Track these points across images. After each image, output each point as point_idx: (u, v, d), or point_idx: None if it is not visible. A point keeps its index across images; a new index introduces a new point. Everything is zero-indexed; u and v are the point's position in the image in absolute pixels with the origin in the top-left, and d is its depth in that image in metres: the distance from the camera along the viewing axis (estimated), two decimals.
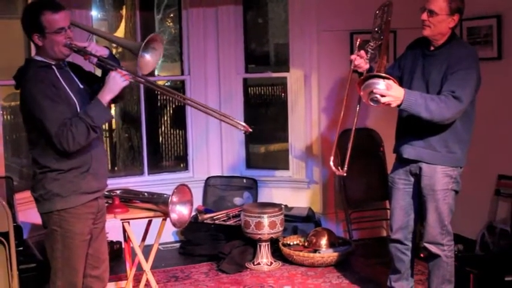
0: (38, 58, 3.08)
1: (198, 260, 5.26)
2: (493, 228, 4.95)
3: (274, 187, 5.91)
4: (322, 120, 5.63)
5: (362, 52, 3.75)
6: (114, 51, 7.67)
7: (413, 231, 3.92)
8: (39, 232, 4.50)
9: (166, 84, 6.87)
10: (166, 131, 8.02)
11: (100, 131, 3.17)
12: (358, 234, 5.65)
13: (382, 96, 3.41)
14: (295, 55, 5.74)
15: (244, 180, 5.94)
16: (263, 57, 6.78)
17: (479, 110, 3.77)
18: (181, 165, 6.48)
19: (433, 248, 3.75)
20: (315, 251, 5.07)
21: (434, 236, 3.72)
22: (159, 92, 7.83)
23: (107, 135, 7.96)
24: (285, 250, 5.11)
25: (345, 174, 3.79)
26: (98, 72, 3.31)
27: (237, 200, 5.89)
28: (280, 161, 6.16)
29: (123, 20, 8.18)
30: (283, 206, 5.32)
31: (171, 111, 8.06)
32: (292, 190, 5.84)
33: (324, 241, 5.11)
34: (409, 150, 3.74)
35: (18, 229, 4.22)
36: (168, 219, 3.85)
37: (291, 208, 5.66)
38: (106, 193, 3.60)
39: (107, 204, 3.50)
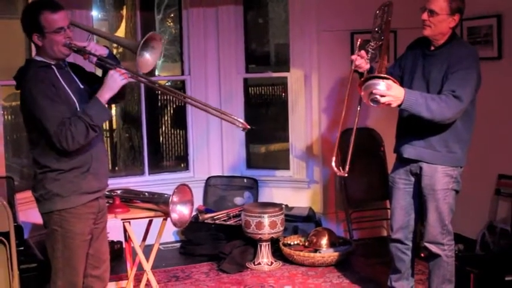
0: (38, 58, 3.09)
1: (199, 260, 5.26)
2: (493, 228, 4.95)
3: (274, 187, 5.91)
4: (323, 120, 5.63)
5: (362, 52, 3.75)
6: (114, 51, 7.69)
7: (413, 230, 3.92)
8: (40, 232, 4.50)
9: (166, 84, 6.87)
10: (166, 131, 8.02)
11: (100, 131, 3.18)
12: (358, 234, 5.65)
13: (382, 96, 3.42)
14: (295, 55, 5.74)
15: (245, 180, 5.94)
16: (263, 57, 6.79)
17: (480, 109, 3.77)
18: (182, 165, 6.48)
19: (433, 248, 3.75)
20: (315, 251, 5.08)
21: (434, 235, 3.73)
22: (159, 92, 7.85)
23: (108, 135, 7.96)
24: (286, 250, 5.12)
25: (346, 175, 3.80)
26: (99, 73, 3.31)
27: (238, 200, 5.89)
28: (280, 161, 6.16)
29: (124, 20, 8.18)
30: (283, 205, 5.32)
31: (172, 111, 8.06)
32: (293, 190, 5.84)
33: (324, 241, 5.12)
34: (410, 150, 3.74)
35: (19, 229, 4.23)
36: (168, 219, 3.85)
37: (292, 208, 5.66)
38: (107, 193, 3.60)
39: (107, 204, 3.50)
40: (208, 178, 5.97)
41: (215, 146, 6.01)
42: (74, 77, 3.18)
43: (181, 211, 3.88)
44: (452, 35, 3.66)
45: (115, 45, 6.77)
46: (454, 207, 3.74)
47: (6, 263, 3.53)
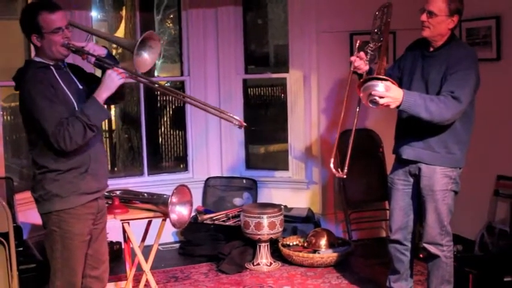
0: (37, 59, 3.10)
1: (198, 261, 5.26)
2: (492, 229, 4.96)
3: (273, 188, 5.91)
4: (322, 121, 5.64)
5: (362, 53, 3.76)
6: (114, 52, 7.70)
7: (412, 231, 3.92)
8: (39, 232, 4.50)
9: (166, 85, 6.88)
10: (166, 132, 8.03)
11: (98, 131, 3.18)
12: (357, 235, 5.66)
13: (381, 97, 3.42)
14: (294, 56, 5.74)
15: (244, 181, 5.94)
16: (263, 58, 6.80)
17: (479, 110, 3.78)
18: (181, 165, 6.49)
19: (432, 249, 3.75)
20: (314, 252, 5.08)
21: (433, 236, 3.73)
22: (159, 93, 7.86)
23: (107, 135, 7.97)
24: (285, 251, 5.12)
25: (344, 176, 3.80)
26: (99, 74, 3.32)
27: (237, 201, 5.89)
28: (279, 162, 6.17)
29: (123, 21, 8.20)
30: (282, 206, 5.33)
31: (171, 112, 8.07)
32: (292, 191, 5.84)
33: (323, 241, 5.12)
34: (409, 151, 3.75)
35: (18, 229, 4.23)
36: (167, 219, 3.85)
37: (291, 209, 5.66)
38: (106, 194, 3.60)
39: (106, 205, 3.50)
40: (208, 179, 5.98)
41: (214, 147, 6.01)
42: (73, 77, 3.19)
43: (181, 212, 3.89)
44: (451, 36, 3.66)
45: (114, 45, 6.78)
46: (452, 208, 3.74)
47: (5, 263, 3.54)
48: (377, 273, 4.80)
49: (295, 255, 5.03)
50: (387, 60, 3.76)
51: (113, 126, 8.14)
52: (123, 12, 8.21)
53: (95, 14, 8.32)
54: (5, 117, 5.62)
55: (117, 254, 5.17)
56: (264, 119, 6.96)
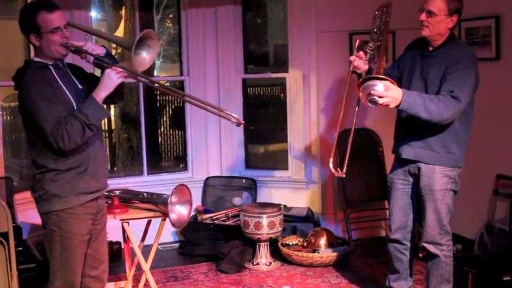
0: (36, 59, 3.11)
1: (198, 260, 5.26)
2: (491, 228, 4.96)
3: (273, 187, 5.91)
4: (321, 120, 5.64)
5: (361, 53, 3.76)
6: (113, 51, 7.70)
7: (412, 231, 3.92)
8: (39, 232, 4.50)
9: (165, 84, 6.89)
10: (165, 132, 8.04)
11: (98, 130, 3.18)
12: (357, 234, 5.66)
13: (380, 97, 3.42)
14: (294, 56, 5.74)
15: (244, 181, 5.95)
16: (262, 57, 6.80)
17: (478, 110, 3.78)
18: (181, 165, 6.49)
19: (431, 248, 3.75)
20: (314, 251, 5.08)
21: (433, 236, 3.73)
22: (158, 93, 7.86)
23: (107, 135, 7.97)
24: (284, 250, 5.12)
25: (344, 176, 3.80)
26: (99, 74, 3.32)
27: (236, 200, 5.90)
28: (279, 161, 6.17)
29: (123, 21, 8.20)
30: (282, 206, 5.33)
31: (171, 112, 8.08)
32: (291, 190, 5.85)
33: (322, 241, 5.12)
34: (408, 151, 3.75)
35: (17, 229, 4.23)
36: (167, 219, 3.85)
37: (290, 208, 5.66)
38: (105, 193, 3.61)
39: (106, 205, 3.50)
40: (207, 178, 5.98)
41: (214, 147, 6.01)
42: (72, 77, 3.19)
43: (180, 211, 3.89)
44: (450, 35, 3.66)
45: (114, 45, 6.78)
46: (452, 208, 3.75)
47: (5, 263, 3.53)
48: (376, 272, 4.80)
49: (294, 255, 5.03)
50: (386, 60, 3.76)
51: (113, 126, 8.14)
52: (123, 12, 8.21)
53: (94, 13, 8.32)
54: (4, 117, 5.62)
55: (116, 253, 5.18)
56: (264, 119, 6.96)
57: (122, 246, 4.68)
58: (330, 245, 5.13)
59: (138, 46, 3.08)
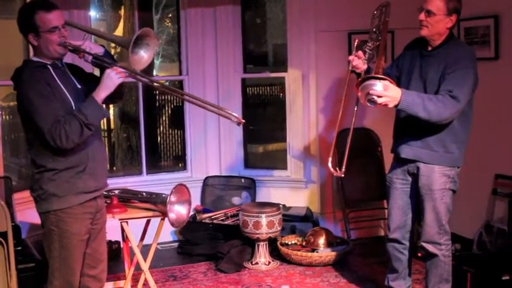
0: (35, 59, 3.11)
1: (197, 260, 5.26)
2: (490, 228, 4.97)
3: (272, 187, 5.91)
4: (320, 120, 5.64)
5: (360, 53, 3.76)
6: (112, 51, 7.70)
7: (410, 230, 3.93)
8: (38, 232, 4.50)
9: (165, 84, 6.89)
10: (164, 131, 8.04)
11: (97, 130, 3.18)
12: (355, 234, 5.66)
13: (379, 97, 3.43)
14: (293, 55, 5.75)
15: (243, 180, 5.95)
16: (261, 57, 6.79)
17: (477, 110, 3.78)
18: (180, 165, 6.49)
19: (430, 248, 3.76)
20: (312, 251, 5.09)
21: (431, 235, 3.74)
22: (157, 92, 7.86)
23: (106, 135, 7.98)
24: (283, 249, 5.12)
25: (343, 176, 3.80)
26: (98, 73, 3.32)
27: (235, 200, 5.90)
28: (278, 161, 6.17)
29: (122, 20, 8.20)
30: (281, 205, 5.34)
31: (170, 111, 8.08)
32: (290, 190, 5.85)
33: (321, 240, 5.13)
34: (407, 150, 3.75)
35: (16, 229, 4.22)
36: (166, 219, 3.85)
37: (289, 208, 5.67)
38: (104, 193, 3.61)
39: (105, 204, 3.50)
40: (206, 178, 5.98)
41: (213, 146, 6.01)
42: (71, 76, 3.19)
43: (179, 211, 3.89)
44: (449, 35, 3.67)
45: (113, 44, 6.78)
46: (451, 207, 3.75)
47: (4, 262, 3.54)
48: (375, 272, 4.81)
49: (293, 254, 5.04)
50: (385, 60, 3.76)
51: (112, 126, 8.14)
52: (122, 12, 8.22)
53: (93, 13, 8.33)
54: (3, 117, 5.62)
55: (115, 253, 5.18)
56: (263, 118, 6.96)
57: (121, 246, 4.68)
58: (329, 244, 5.13)
59: (136, 45, 3.08)
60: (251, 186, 5.89)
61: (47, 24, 3.00)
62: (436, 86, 3.59)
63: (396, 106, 3.49)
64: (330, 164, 3.77)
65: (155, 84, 3.64)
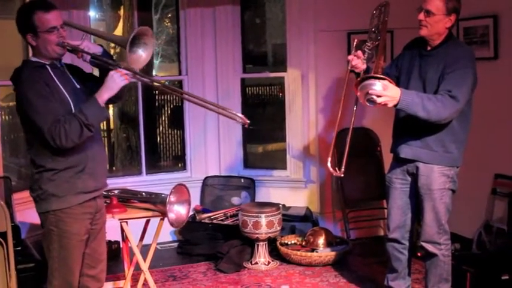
0: (33, 59, 3.11)
1: (196, 260, 5.27)
2: (489, 227, 4.97)
3: (271, 187, 5.92)
4: (320, 120, 5.64)
5: (359, 52, 3.76)
6: (112, 51, 7.70)
7: (410, 230, 3.93)
8: (37, 232, 4.50)
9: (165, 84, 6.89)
10: (164, 131, 8.04)
11: (97, 131, 3.18)
12: (355, 234, 5.66)
13: (379, 96, 3.43)
14: (292, 55, 5.75)
15: (242, 180, 5.95)
16: (261, 57, 6.80)
17: (476, 109, 3.79)
18: (179, 165, 6.49)
19: (430, 247, 3.76)
20: (312, 251, 5.09)
21: (431, 235, 3.74)
22: (157, 92, 7.86)
23: (105, 135, 7.98)
24: (283, 249, 5.12)
25: (342, 175, 3.80)
26: (97, 73, 3.32)
27: (235, 200, 5.90)
28: (277, 161, 6.17)
29: (121, 20, 8.20)
30: (280, 205, 5.33)
31: (169, 111, 8.08)
32: (290, 190, 5.85)
33: (321, 240, 5.13)
34: (406, 150, 3.75)
35: (16, 229, 4.22)
36: (166, 218, 3.85)
37: (289, 208, 5.67)
38: (104, 193, 3.61)
39: (105, 204, 3.50)
40: (206, 178, 5.98)
41: (212, 146, 6.01)
42: (70, 77, 3.18)
43: (179, 211, 3.89)
44: (448, 35, 3.67)
45: (113, 45, 6.77)
46: (450, 207, 3.75)
47: (3, 263, 3.54)
48: (375, 271, 4.81)
49: (293, 254, 5.04)
50: (385, 59, 3.77)
51: (111, 126, 8.14)
52: (121, 12, 8.21)
53: (93, 13, 8.32)
54: (3, 117, 5.62)
55: (115, 253, 5.18)
56: (262, 118, 6.97)
57: (121, 246, 4.68)
58: (329, 244, 5.13)
59: (134, 44, 3.07)
60: (251, 186, 5.89)
61: (46, 25, 3.00)
62: (435, 86, 3.60)
63: (395, 106, 3.49)
64: (329, 164, 3.78)
65: (162, 86, 3.61)
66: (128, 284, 4.21)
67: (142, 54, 3.14)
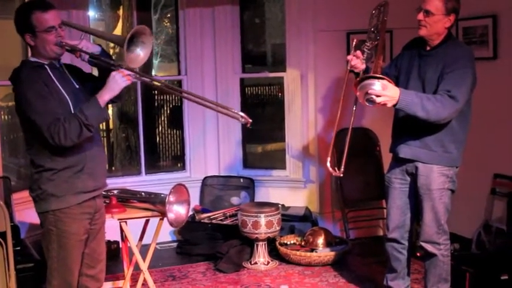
0: (32, 59, 3.11)
1: (196, 260, 5.27)
2: (489, 227, 4.97)
3: (271, 187, 5.92)
4: (319, 119, 5.64)
5: (358, 52, 3.77)
6: (111, 51, 7.70)
7: (409, 230, 3.93)
8: (37, 232, 4.51)
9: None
10: (163, 131, 8.04)
11: (96, 130, 3.18)
12: (354, 234, 5.66)
13: (378, 96, 3.43)
14: (292, 55, 5.75)
15: (241, 180, 5.95)
16: (260, 57, 6.80)
17: (475, 109, 3.79)
18: (179, 165, 6.49)
19: (429, 247, 3.76)
20: (311, 250, 5.09)
21: (430, 235, 3.74)
22: (156, 92, 7.86)
23: (104, 135, 7.97)
24: (282, 249, 5.13)
25: (341, 175, 3.80)
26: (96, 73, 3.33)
27: (234, 200, 5.90)
28: (277, 161, 6.17)
29: (120, 20, 8.19)
30: (280, 205, 5.33)
31: (168, 111, 8.08)
32: (289, 189, 5.85)
33: (320, 240, 5.13)
34: (405, 150, 3.76)
35: (15, 229, 4.23)
36: (165, 218, 3.85)
37: (288, 207, 5.67)
38: (103, 193, 3.61)
39: (104, 204, 3.50)
40: (205, 178, 5.98)
41: (212, 146, 6.01)
42: (69, 77, 3.18)
43: (178, 211, 3.88)
44: (447, 35, 3.67)
45: (112, 44, 6.76)
46: (449, 207, 3.75)
47: (3, 262, 3.54)
48: (374, 271, 4.81)
49: (292, 254, 5.04)
50: (384, 59, 3.78)
51: (111, 126, 8.14)
52: (121, 12, 8.21)
53: (92, 13, 8.31)
54: (2, 117, 5.63)
55: (114, 253, 5.18)
56: (261, 118, 6.97)
57: (120, 246, 4.68)
58: (328, 244, 5.13)
59: (132, 43, 3.07)
60: (250, 186, 5.89)
61: (44, 24, 3.00)
62: (434, 86, 3.60)
63: (395, 105, 3.50)
64: (328, 164, 3.78)
65: (165, 86, 3.59)
66: (127, 284, 4.21)
67: (140, 53, 3.13)
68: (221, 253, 5.07)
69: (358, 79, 3.56)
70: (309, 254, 5.02)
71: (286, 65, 5.81)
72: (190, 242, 5.46)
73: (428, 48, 3.71)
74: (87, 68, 3.38)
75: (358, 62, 3.75)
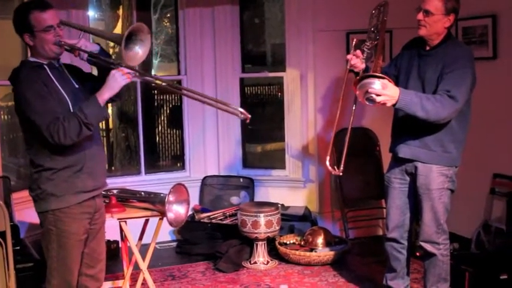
0: (31, 59, 3.11)
1: (195, 259, 5.27)
2: (488, 227, 4.97)
3: (270, 186, 5.92)
4: (318, 119, 5.64)
5: (358, 52, 3.77)
6: (111, 51, 7.69)
7: (409, 230, 3.93)
8: (36, 231, 4.50)
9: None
10: (163, 131, 8.04)
11: (96, 130, 3.18)
12: (354, 233, 5.66)
13: (378, 95, 3.43)
14: (291, 55, 5.75)
15: (241, 180, 5.95)
16: (260, 57, 6.80)
17: (475, 109, 3.79)
18: (178, 164, 6.49)
19: (428, 247, 3.76)
20: (311, 250, 5.09)
21: (430, 234, 3.74)
22: (156, 92, 7.85)
23: (104, 134, 7.97)
24: (282, 249, 5.13)
25: (341, 174, 3.80)
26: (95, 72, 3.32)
27: (234, 199, 5.90)
28: (276, 161, 6.17)
29: (120, 20, 8.19)
30: (279, 205, 5.33)
31: (168, 111, 8.08)
32: (289, 189, 5.85)
33: (320, 240, 5.13)
34: (405, 150, 3.76)
35: (15, 228, 4.23)
36: (164, 218, 3.85)
37: (288, 207, 5.67)
38: (103, 192, 3.61)
39: (104, 204, 3.50)
40: (205, 177, 5.98)
41: (211, 146, 6.01)
42: (69, 76, 3.18)
43: (178, 210, 3.88)
44: (447, 35, 3.67)
45: (112, 44, 6.76)
46: (449, 207, 3.75)
47: (2, 262, 3.54)
48: (374, 271, 4.81)
49: (292, 254, 5.04)
50: (383, 59, 3.78)
51: (110, 125, 8.14)
52: (120, 12, 8.21)
53: (92, 13, 8.32)
54: (2, 117, 5.62)
55: (114, 252, 5.18)
56: (261, 118, 6.96)
57: (120, 245, 4.68)
58: (327, 243, 5.14)
59: (130, 41, 3.06)
60: (249, 185, 5.89)
61: (42, 24, 3.00)
62: (434, 86, 3.60)
63: (394, 105, 3.50)
64: (327, 163, 3.78)
65: (166, 85, 3.59)
66: (127, 284, 4.21)
67: (139, 51, 3.12)
68: (221, 253, 5.07)
69: (358, 78, 3.56)
70: (308, 253, 5.03)
71: (286, 65, 5.81)
72: (189, 242, 5.46)
73: (427, 48, 3.71)
74: (86, 67, 3.38)
75: (357, 61, 3.75)
